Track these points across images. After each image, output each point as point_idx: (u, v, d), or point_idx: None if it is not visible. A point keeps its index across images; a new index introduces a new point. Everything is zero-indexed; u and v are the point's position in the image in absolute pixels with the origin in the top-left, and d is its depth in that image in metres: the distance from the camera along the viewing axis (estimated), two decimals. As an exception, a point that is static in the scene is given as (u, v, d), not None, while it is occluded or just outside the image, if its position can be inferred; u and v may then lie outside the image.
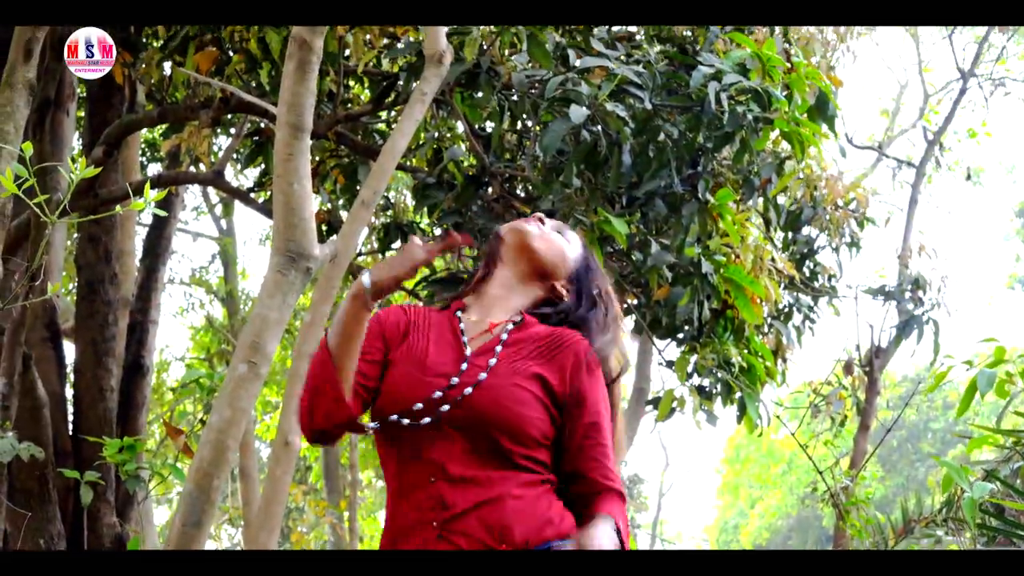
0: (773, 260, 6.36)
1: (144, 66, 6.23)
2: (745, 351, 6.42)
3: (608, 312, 2.65)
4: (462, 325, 2.54)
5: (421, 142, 6.55)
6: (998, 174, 26.30)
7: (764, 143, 5.66)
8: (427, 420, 2.35)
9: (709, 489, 37.67)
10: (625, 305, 6.57)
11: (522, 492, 2.33)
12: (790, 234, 8.24)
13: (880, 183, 20.18)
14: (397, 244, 6.91)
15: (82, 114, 7.90)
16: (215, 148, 9.15)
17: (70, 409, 6.94)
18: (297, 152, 4.10)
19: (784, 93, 5.39)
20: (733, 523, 34.71)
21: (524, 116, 5.85)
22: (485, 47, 5.56)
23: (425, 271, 6.95)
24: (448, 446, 2.33)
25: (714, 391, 6.38)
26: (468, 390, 2.37)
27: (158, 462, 5.63)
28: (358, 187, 6.24)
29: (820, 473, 7.48)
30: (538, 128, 5.64)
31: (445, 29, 5.03)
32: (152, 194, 3.14)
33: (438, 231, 6.70)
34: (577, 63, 5.39)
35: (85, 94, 7.65)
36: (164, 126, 7.33)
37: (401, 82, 5.87)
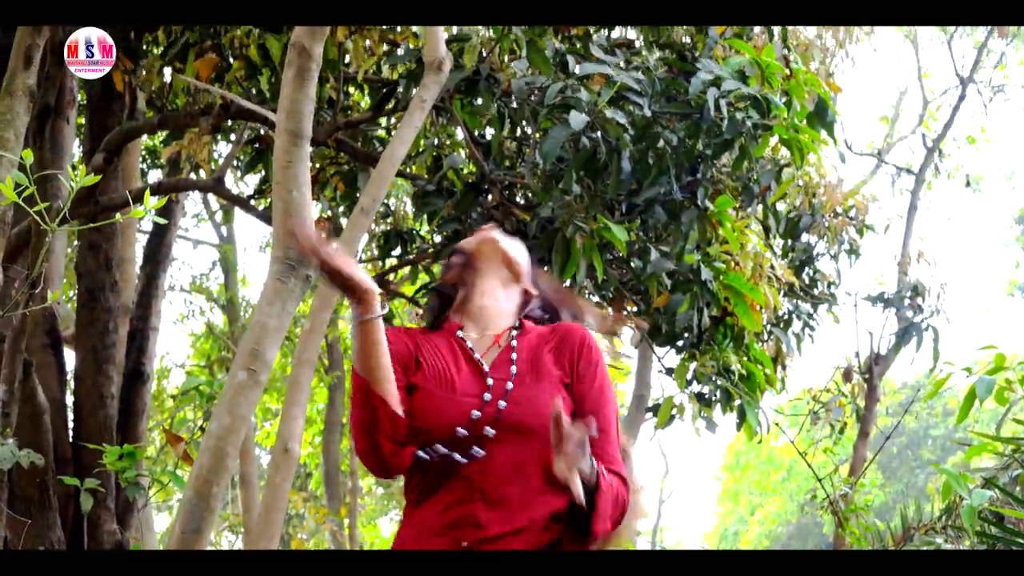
0: (772, 267, 6.36)
1: (144, 73, 6.24)
2: (745, 358, 6.42)
3: (564, 300, 2.73)
4: (469, 344, 2.53)
5: (421, 149, 6.56)
6: (997, 180, 26.30)
7: (763, 150, 5.67)
8: (478, 451, 2.34)
9: (709, 496, 37.65)
10: (625, 312, 6.58)
11: (555, 525, 2.33)
12: (789, 241, 8.24)
13: (879, 190, 20.17)
14: (397, 251, 6.92)
15: (82, 121, 7.91)
16: (215, 155, 9.17)
17: (70, 416, 6.94)
18: (296, 159, 4.10)
19: (783, 100, 5.40)
20: (733, 530, 34.64)
21: (524, 123, 5.85)
22: (484, 54, 5.57)
23: (426, 278, 6.96)
24: (487, 463, 2.33)
25: (713, 398, 6.38)
26: (502, 403, 2.38)
27: (158, 469, 5.64)
28: (358, 194, 6.24)
29: (819, 480, 7.48)
30: (538, 135, 5.65)
31: (444, 36, 5.04)
32: (152, 201, 3.15)
33: (438, 238, 6.70)
34: (576, 70, 5.40)
35: (85, 101, 7.65)
36: (164, 133, 7.34)
37: (401, 89, 5.87)
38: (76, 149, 7.67)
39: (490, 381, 2.43)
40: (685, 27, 6.27)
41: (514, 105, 5.72)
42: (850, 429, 11.05)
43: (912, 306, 10.56)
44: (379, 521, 21.94)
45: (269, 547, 4.30)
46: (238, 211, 12.10)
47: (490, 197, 6.14)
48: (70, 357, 7.45)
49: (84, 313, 7.17)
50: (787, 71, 5.48)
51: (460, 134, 6.30)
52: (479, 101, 5.70)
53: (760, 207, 6.68)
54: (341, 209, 7.08)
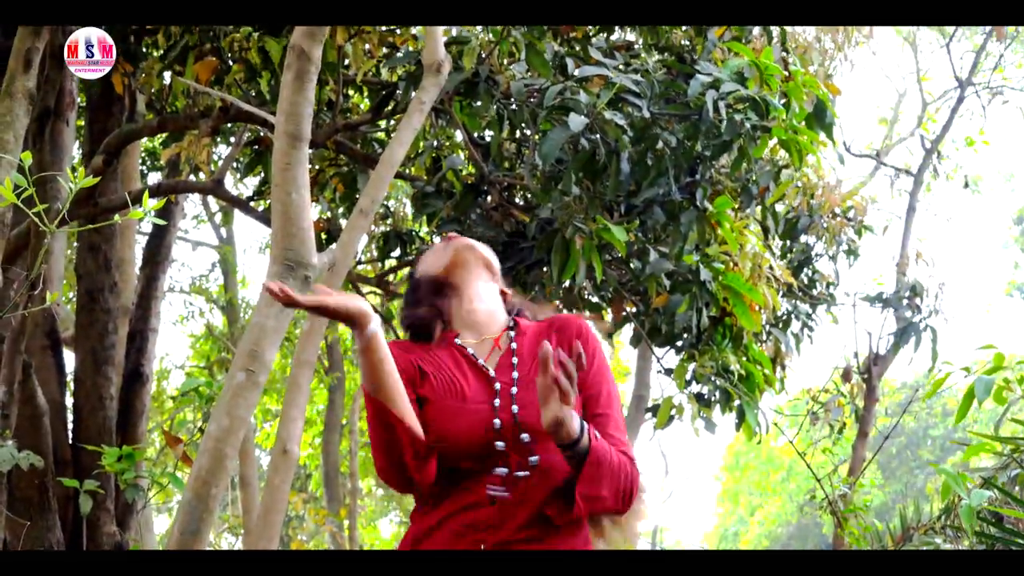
0: (771, 268, 6.37)
1: (144, 76, 6.24)
2: (744, 358, 6.43)
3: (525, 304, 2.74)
4: (470, 351, 2.52)
5: (420, 151, 6.56)
6: (996, 182, 26.33)
7: (762, 151, 5.67)
8: (502, 470, 2.33)
9: (709, 496, 37.64)
10: (624, 313, 6.59)
11: (574, 531, 2.35)
12: (787, 242, 8.25)
13: (878, 191, 20.20)
14: (396, 252, 6.92)
15: (82, 123, 7.91)
16: (215, 157, 9.18)
17: (70, 417, 6.94)
18: (295, 161, 4.11)
19: (782, 101, 5.40)
20: (733, 530, 34.64)
21: (523, 125, 5.86)
22: (484, 56, 5.57)
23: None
24: (503, 469, 2.33)
25: (713, 398, 6.39)
26: (515, 408, 2.37)
27: (157, 471, 5.63)
28: (357, 196, 6.25)
29: (819, 480, 7.48)
30: (537, 137, 5.65)
31: (444, 38, 5.04)
32: (151, 203, 3.15)
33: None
34: (576, 72, 5.41)
35: (85, 103, 7.66)
36: (164, 135, 7.34)
37: (400, 91, 5.88)
38: (76, 151, 7.67)
39: (497, 386, 2.42)
40: (684, 30, 6.28)
41: (513, 107, 5.72)
42: (849, 429, 11.05)
43: (910, 306, 10.56)
44: (379, 522, 21.96)
45: (268, 548, 4.30)
46: (237, 213, 12.10)
47: (489, 198, 6.15)
48: (70, 358, 7.45)
49: (83, 314, 7.17)
50: (786, 73, 5.48)
51: (459, 136, 6.31)
52: (478, 103, 5.71)
53: (759, 208, 6.69)
54: (340, 210, 7.09)
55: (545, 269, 6.04)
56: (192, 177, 7.98)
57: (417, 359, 2.51)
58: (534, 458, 2.33)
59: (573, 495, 2.29)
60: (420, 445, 2.31)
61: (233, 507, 16.93)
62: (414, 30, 6.16)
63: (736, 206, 6.19)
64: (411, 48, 6.00)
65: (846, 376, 10.93)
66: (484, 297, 2.62)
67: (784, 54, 6.11)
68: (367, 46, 5.94)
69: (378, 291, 7.57)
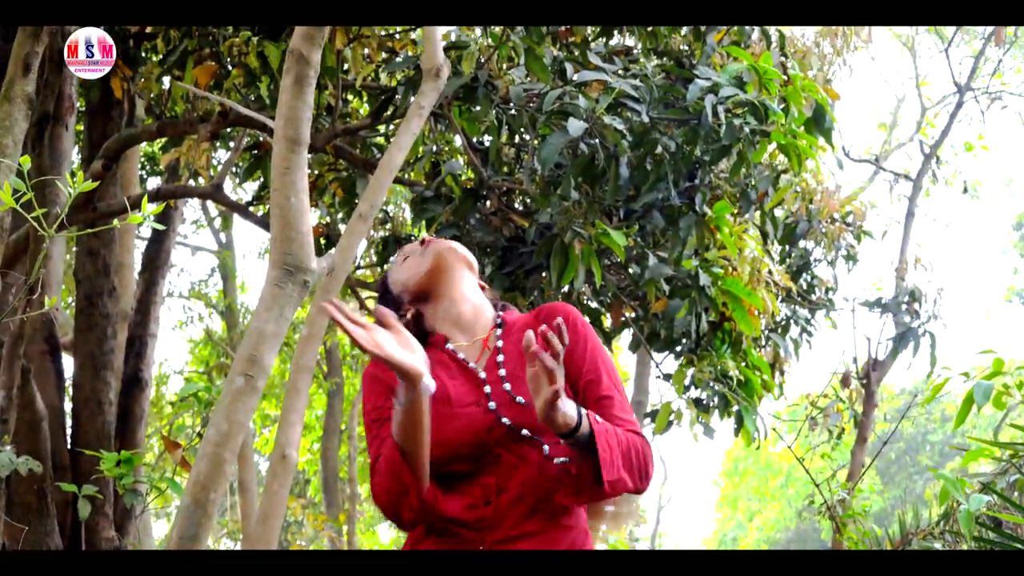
0: (770, 272, 6.38)
1: (143, 80, 6.24)
2: (743, 364, 6.43)
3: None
4: (461, 354, 2.51)
5: (419, 155, 6.56)
6: (995, 187, 26.35)
7: (761, 156, 5.68)
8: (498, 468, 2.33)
9: (707, 502, 37.63)
10: (623, 318, 6.59)
11: (572, 523, 2.34)
12: (786, 247, 8.26)
13: (877, 196, 20.20)
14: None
15: (81, 128, 7.91)
16: (214, 162, 9.17)
17: (68, 422, 6.94)
18: (294, 166, 4.11)
19: (781, 106, 5.41)
20: (731, 536, 34.64)
21: (522, 129, 5.86)
22: (483, 61, 5.58)
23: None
24: (498, 468, 2.32)
25: (711, 404, 6.39)
26: (520, 400, 2.36)
27: (156, 476, 5.62)
28: (356, 200, 6.25)
29: (817, 486, 7.47)
30: (536, 141, 5.65)
31: (443, 43, 5.04)
32: (150, 207, 3.15)
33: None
34: (575, 77, 5.41)
35: (84, 108, 7.66)
36: (163, 140, 7.34)
37: (399, 96, 5.88)
38: (75, 155, 7.67)
39: (488, 388, 2.41)
40: (683, 34, 6.28)
41: (512, 112, 5.73)
42: (848, 434, 11.06)
43: (909, 312, 10.57)
44: (378, 528, 21.93)
45: (267, 553, 4.29)
46: (237, 217, 12.12)
47: (488, 203, 6.15)
48: (68, 363, 7.45)
49: (82, 319, 7.17)
50: (785, 78, 5.49)
51: (458, 140, 6.31)
52: (477, 108, 5.71)
53: (758, 213, 6.69)
54: (340, 215, 7.09)
55: (544, 274, 6.04)
56: (191, 182, 7.97)
57: None
58: (535, 451, 2.33)
59: (580, 484, 2.28)
60: (424, 508, 2.31)
61: (232, 512, 16.93)
62: (413, 35, 6.16)
63: (735, 211, 6.19)
64: (410, 53, 6.00)
65: (845, 381, 10.94)
66: (469, 296, 2.60)
67: (783, 59, 6.12)
68: (366, 51, 5.94)
69: (377, 296, 7.56)
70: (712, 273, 5.95)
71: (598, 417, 2.27)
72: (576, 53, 5.95)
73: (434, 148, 6.58)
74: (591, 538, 2.41)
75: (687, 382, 6.41)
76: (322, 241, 6.72)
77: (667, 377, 6.70)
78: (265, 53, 5.61)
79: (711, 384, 6.27)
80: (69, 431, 6.88)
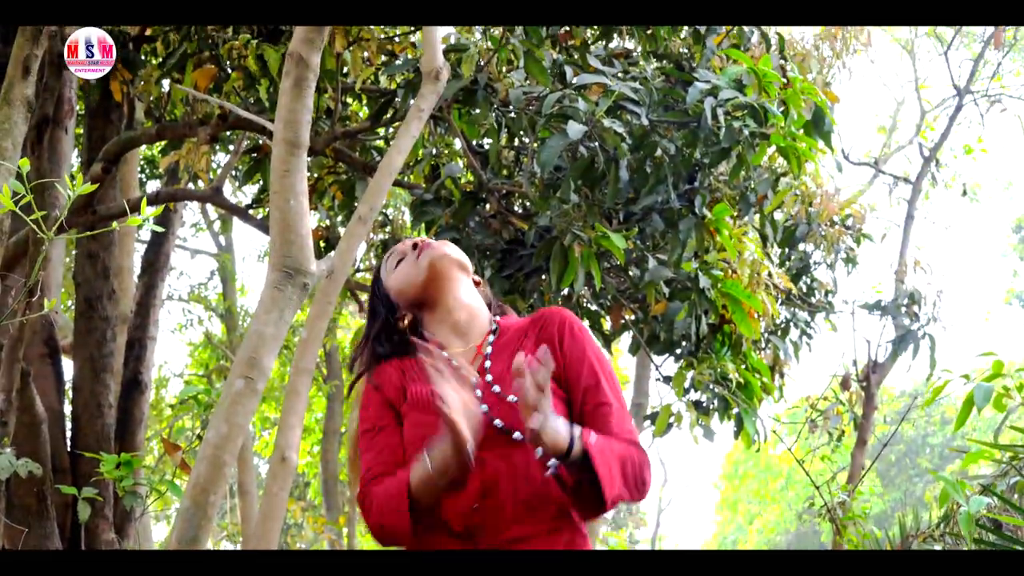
0: (770, 275, 6.38)
1: (143, 83, 6.24)
2: (742, 366, 6.43)
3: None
4: (454, 361, 2.46)
5: (419, 158, 6.56)
6: (995, 190, 26.32)
7: (760, 159, 5.68)
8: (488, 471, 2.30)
9: (707, 505, 37.64)
10: (623, 321, 6.59)
11: (565, 525, 2.32)
12: (786, 250, 8.26)
13: (877, 199, 20.18)
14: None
15: (80, 131, 7.91)
16: (213, 165, 9.17)
17: (68, 425, 6.93)
18: (294, 168, 4.11)
19: (780, 109, 5.41)
20: (732, 539, 34.63)
21: (521, 132, 5.86)
22: (482, 64, 5.58)
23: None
24: (482, 473, 2.29)
25: (711, 406, 6.39)
26: (489, 409, 2.33)
27: (156, 478, 5.62)
28: (356, 203, 6.25)
29: (817, 488, 7.48)
30: (535, 144, 5.65)
31: (442, 46, 5.04)
32: (150, 210, 3.16)
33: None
34: (574, 80, 5.41)
35: (84, 111, 7.66)
36: (162, 143, 7.34)
37: (399, 99, 5.88)
38: (74, 159, 7.67)
39: (478, 392, 2.37)
40: (682, 37, 6.29)
41: (512, 115, 5.73)
42: (848, 437, 11.06)
43: (909, 314, 10.57)
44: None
45: (267, 556, 4.29)
46: (236, 220, 12.10)
47: (488, 206, 6.15)
48: (68, 366, 7.45)
49: (82, 322, 7.16)
50: (784, 80, 5.49)
51: (458, 143, 6.31)
52: (477, 111, 5.71)
53: (757, 215, 6.69)
54: (339, 218, 7.09)
55: (544, 277, 6.04)
56: (191, 185, 7.97)
57: (402, 376, 2.50)
58: (524, 454, 2.29)
59: (579, 498, 2.26)
60: (415, 532, 2.31)
61: (231, 515, 16.92)
62: (413, 38, 6.17)
63: (735, 213, 6.20)
64: (410, 56, 6.01)
65: (845, 384, 10.93)
66: (465, 301, 2.58)
67: (782, 61, 6.12)
68: (366, 53, 5.94)
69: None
70: (712, 276, 5.95)
71: (592, 434, 2.24)
72: (576, 56, 5.95)
73: (434, 151, 6.58)
74: (588, 540, 2.40)
75: (687, 384, 6.40)
76: (322, 244, 6.72)
77: (667, 380, 6.70)
78: (264, 56, 5.61)
79: (711, 387, 6.27)
80: (69, 434, 6.88)
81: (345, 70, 6.15)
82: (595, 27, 6.23)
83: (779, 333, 7.69)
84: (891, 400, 22.33)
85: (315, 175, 6.76)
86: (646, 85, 5.39)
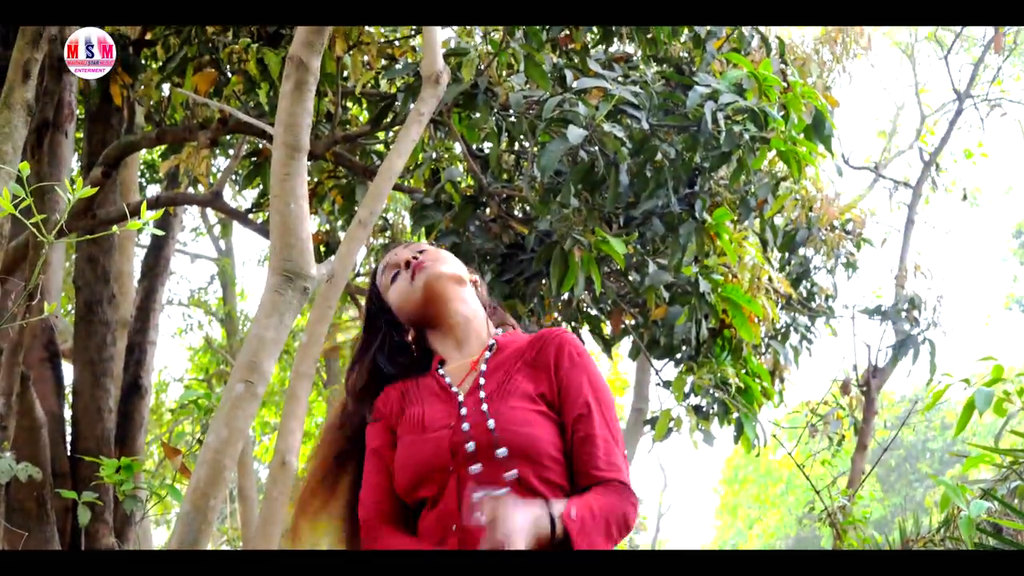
0: (770, 280, 6.37)
1: (143, 87, 6.25)
2: (742, 371, 6.42)
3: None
4: (447, 379, 2.46)
5: (419, 162, 6.57)
6: (995, 195, 26.32)
7: (761, 163, 5.68)
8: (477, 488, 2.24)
9: (707, 510, 37.59)
10: (623, 325, 6.59)
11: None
12: (786, 254, 8.26)
13: (877, 204, 20.22)
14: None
15: (80, 135, 7.92)
16: (213, 169, 9.18)
17: (68, 429, 6.93)
18: (294, 172, 4.11)
19: (780, 113, 5.41)
20: (732, 543, 34.58)
21: (522, 137, 5.86)
22: (482, 68, 5.58)
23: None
24: (462, 492, 2.24)
25: (711, 411, 6.38)
26: (490, 423, 2.30)
27: (156, 482, 5.62)
28: (356, 207, 6.25)
29: (818, 493, 7.47)
30: (536, 148, 5.65)
31: (442, 49, 5.04)
32: (150, 215, 3.15)
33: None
34: (574, 84, 5.41)
35: (84, 115, 7.67)
36: (162, 147, 7.35)
37: (399, 102, 5.88)
38: (74, 163, 7.68)
39: (464, 411, 2.36)
40: (683, 41, 6.29)
41: (512, 119, 5.73)
42: (848, 442, 11.04)
43: (909, 319, 10.56)
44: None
45: (267, 560, 4.28)
46: (236, 225, 12.11)
47: (488, 210, 6.15)
48: (68, 371, 7.45)
49: (82, 326, 7.17)
50: (784, 84, 5.49)
51: (458, 147, 6.31)
52: (477, 115, 5.71)
53: (757, 220, 6.69)
54: (339, 222, 7.09)
55: (544, 281, 6.04)
56: (191, 189, 7.99)
57: (401, 396, 2.50)
58: (510, 473, 2.26)
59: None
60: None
61: (232, 519, 16.90)
62: (413, 41, 6.17)
63: (735, 218, 6.19)
64: (410, 59, 6.01)
65: (845, 389, 10.92)
66: (464, 313, 2.55)
67: (783, 65, 6.12)
68: (366, 57, 5.95)
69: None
70: (712, 280, 5.95)
71: (573, 509, 2.19)
72: (576, 60, 5.96)
73: (434, 155, 6.58)
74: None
75: (687, 389, 6.40)
76: (322, 248, 6.72)
77: (667, 384, 6.70)
78: (265, 60, 5.61)
79: (711, 391, 6.27)
80: (69, 438, 6.88)
81: (345, 74, 6.16)
82: (595, 31, 6.23)
83: (779, 338, 7.68)
84: (891, 405, 22.32)
85: (315, 179, 6.76)
86: (646, 89, 5.39)
